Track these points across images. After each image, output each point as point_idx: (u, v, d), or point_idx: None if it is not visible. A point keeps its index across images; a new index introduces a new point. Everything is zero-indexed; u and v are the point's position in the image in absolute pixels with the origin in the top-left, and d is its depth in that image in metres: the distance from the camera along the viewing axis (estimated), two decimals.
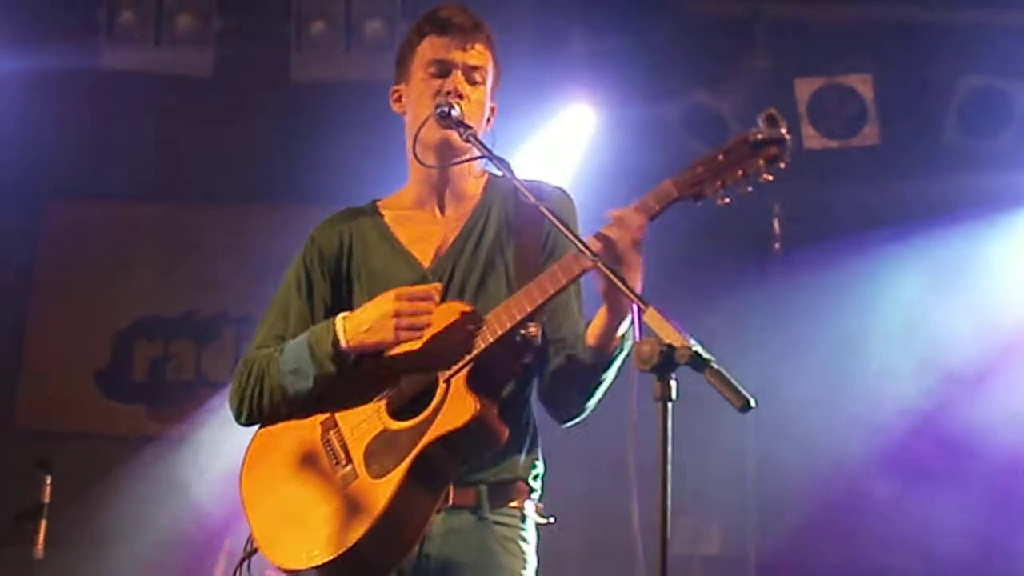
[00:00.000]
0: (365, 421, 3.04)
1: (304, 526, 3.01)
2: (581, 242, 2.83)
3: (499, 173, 3.06)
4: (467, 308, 3.02)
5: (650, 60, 6.97)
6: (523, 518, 3.14)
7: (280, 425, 3.17)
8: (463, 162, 3.19)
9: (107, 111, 7.26)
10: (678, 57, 7.12)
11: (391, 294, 3.02)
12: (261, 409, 3.16)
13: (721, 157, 2.76)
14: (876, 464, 6.95)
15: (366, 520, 2.92)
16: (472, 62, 3.20)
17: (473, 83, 3.20)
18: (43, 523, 5.80)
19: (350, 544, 2.91)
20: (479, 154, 3.10)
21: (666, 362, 2.51)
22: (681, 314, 2.65)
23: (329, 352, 3.04)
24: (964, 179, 6.88)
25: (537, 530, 3.19)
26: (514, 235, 3.20)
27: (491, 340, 2.94)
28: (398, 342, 3.01)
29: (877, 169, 7.07)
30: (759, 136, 2.72)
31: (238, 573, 3.11)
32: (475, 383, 2.95)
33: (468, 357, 2.95)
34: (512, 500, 3.12)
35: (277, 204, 7.76)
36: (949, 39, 6.92)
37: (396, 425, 2.99)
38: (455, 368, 2.96)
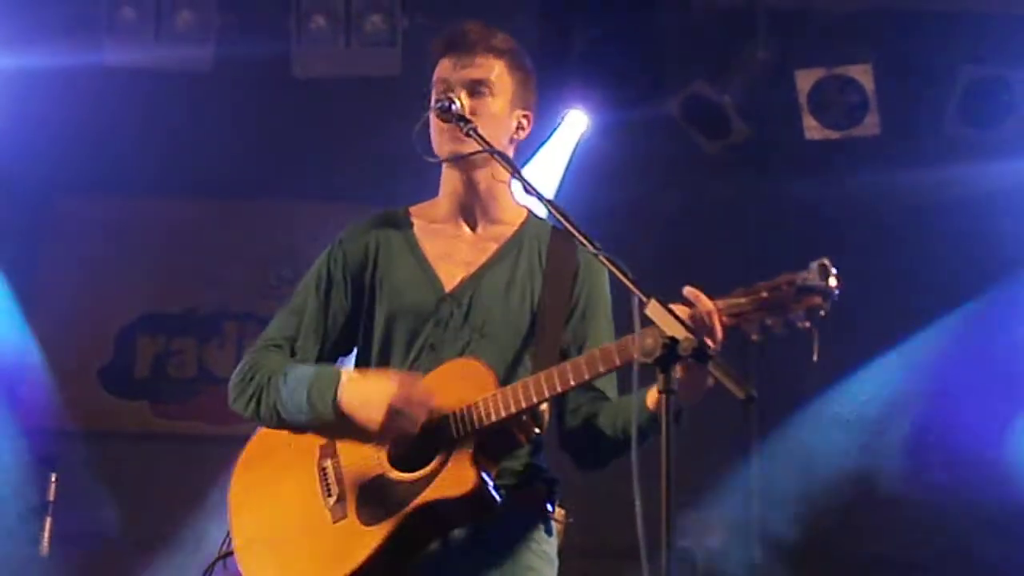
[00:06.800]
0: (364, 460, 3.02)
1: (281, 554, 3.02)
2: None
3: (540, 214, 3.03)
4: (488, 371, 3.00)
5: (650, 52, 6.96)
6: (545, 519, 3.14)
7: (281, 432, 3.17)
8: (467, 156, 3.16)
9: (107, 107, 7.25)
10: (678, 49, 7.11)
11: (394, 385, 2.97)
12: (255, 416, 3.17)
13: (765, 294, 2.68)
14: (883, 454, 6.94)
15: (345, 565, 2.92)
16: (472, 75, 3.18)
17: (478, 95, 3.18)
18: (48, 520, 5.81)
19: None
20: (481, 149, 3.08)
21: (669, 355, 2.50)
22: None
23: (327, 410, 3.02)
24: (966, 168, 6.87)
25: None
26: (543, 281, 3.18)
27: (504, 414, 2.92)
28: (383, 434, 2.98)
29: (878, 159, 7.07)
30: (807, 281, 2.64)
31: (211, 572, 3.12)
32: (477, 451, 2.93)
33: (476, 427, 2.93)
34: (535, 502, 3.12)
35: (278, 200, 7.77)
36: (950, 27, 6.90)
37: (394, 474, 2.98)
38: (462, 434, 2.94)
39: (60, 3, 6.96)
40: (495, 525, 3.05)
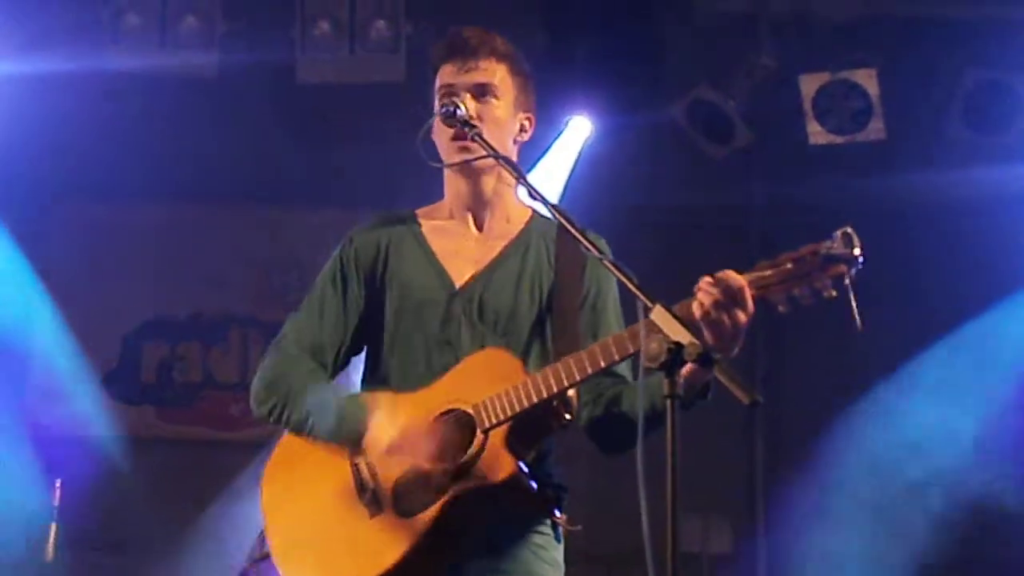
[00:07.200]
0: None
1: (320, 550, 3.03)
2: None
3: (544, 212, 3.05)
4: (515, 359, 3.02)
5: (654, 57, 6.97)
6: (554, 526, 3.15)
7: None
8: (472, 160, 3.16)
9: (112, 113, 7.26)
10: (682, 54, 7.12)
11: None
12: (279, 424, 3.18)
13: (790, 265, 2.72)
14: (888, 453, 6.94)
15: (386, 559, 2.93)
16: (476, 80, 3.20)
17: (483, 100, 3.20)
18: (53, 526, 5.81)
19: None
20: (485, 154, 3.09)
21: (674, 360, 2.50)
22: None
23: (353, 438, 3.05)
24: (970, 173, 6.87)
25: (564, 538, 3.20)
26: (555, 275, 3.19)
27: (535, 399, 2.92)
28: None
29: (883, 164, 7.06)
30: (832, 250, 2.67)
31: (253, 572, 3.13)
32: (512, 439, 2.94)
33: (510, 414, 2.94)
34: (545, 508, 3.11)
35: (282, 206, 7.79)
36: (954, 32, 6.90)
37: (428, 466, 2.98)
38: (495, 421, 2.94)
39: (65, 9, 6.97)
40: (506, 532, 3.06)
